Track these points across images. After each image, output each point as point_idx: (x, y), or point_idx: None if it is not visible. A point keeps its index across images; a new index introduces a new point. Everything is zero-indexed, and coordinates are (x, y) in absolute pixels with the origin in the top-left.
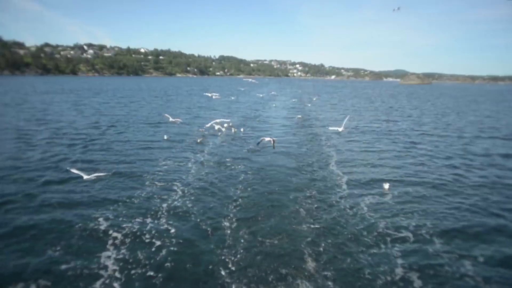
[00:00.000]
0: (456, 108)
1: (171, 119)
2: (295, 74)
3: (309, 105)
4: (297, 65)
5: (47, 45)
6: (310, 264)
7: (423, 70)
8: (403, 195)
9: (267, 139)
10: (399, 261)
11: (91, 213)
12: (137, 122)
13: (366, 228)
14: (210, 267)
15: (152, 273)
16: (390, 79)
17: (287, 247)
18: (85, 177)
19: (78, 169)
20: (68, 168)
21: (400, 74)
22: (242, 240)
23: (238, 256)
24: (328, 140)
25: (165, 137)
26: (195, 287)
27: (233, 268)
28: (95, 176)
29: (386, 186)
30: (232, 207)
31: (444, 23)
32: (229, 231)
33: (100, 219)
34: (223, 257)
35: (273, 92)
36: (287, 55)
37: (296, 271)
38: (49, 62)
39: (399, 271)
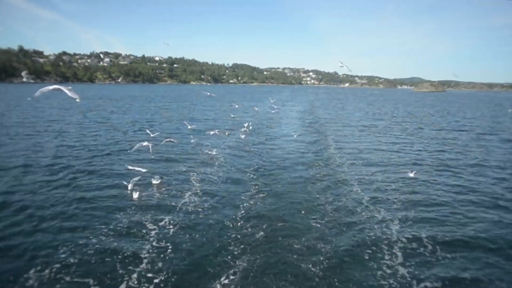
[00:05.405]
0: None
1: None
2: (308, 82)
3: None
4: (311, 73)
5: (64, 53)
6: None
7: (440, 78)
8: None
9: (144, 144)
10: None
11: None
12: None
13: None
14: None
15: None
16: (405, 87)
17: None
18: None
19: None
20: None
21: (415, 81)
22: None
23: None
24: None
25: (189, 127)
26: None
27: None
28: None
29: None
30: (251, 174)
31: (460, 30)
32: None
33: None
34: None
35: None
36: (301, 63)
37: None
38: (68, 70)
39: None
